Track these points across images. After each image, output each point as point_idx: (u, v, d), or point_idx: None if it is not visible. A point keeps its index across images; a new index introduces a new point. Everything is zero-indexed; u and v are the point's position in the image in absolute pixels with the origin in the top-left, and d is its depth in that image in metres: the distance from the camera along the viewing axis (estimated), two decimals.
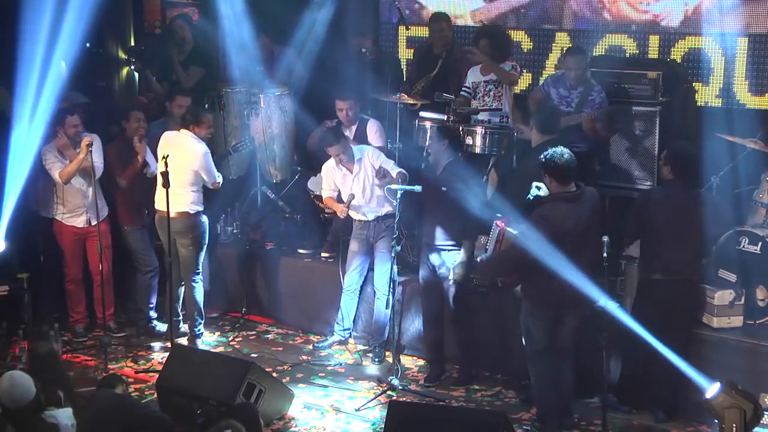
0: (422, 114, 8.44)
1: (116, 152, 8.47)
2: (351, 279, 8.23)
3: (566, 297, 6.52)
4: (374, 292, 8.28)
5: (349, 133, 8.59)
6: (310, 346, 8.49)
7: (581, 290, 6.48)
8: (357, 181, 8.02)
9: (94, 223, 8.33)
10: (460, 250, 7.49)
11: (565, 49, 8.93)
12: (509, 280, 6.88)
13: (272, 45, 9.74)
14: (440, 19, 9.26)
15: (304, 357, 8.25)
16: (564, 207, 6.52)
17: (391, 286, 7.48)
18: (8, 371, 5.92)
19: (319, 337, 8.62)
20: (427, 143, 7.93)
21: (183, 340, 8.36)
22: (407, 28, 9.98)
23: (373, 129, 8.64)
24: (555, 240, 6.37)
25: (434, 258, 7.62)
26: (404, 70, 10.06)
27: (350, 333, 8.41)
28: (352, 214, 8.15)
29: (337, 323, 8.37)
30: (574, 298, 6.48)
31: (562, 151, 6.55)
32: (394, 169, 7.92)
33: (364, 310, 8.46)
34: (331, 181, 8.21)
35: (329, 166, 8.18)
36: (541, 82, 8.72)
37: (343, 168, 8.05)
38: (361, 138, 8.59)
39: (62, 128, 8.26)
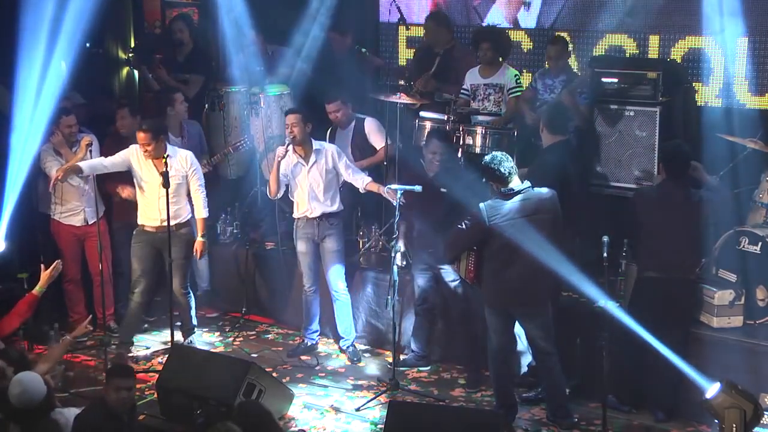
0: (422, 114, 8.44)
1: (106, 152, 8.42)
2: (309, 280, 8.14)
3: (511, 295, 6.70)
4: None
5: (347, 132, 8.57)
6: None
7: (526, 289, 6.65)
8: (311, 173, 7.92)
9: (91, 221, 8.32)
10: None
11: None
12: (468, 278, 6.98)
13: (267, 44, 9.72)
14: (432, 19, 9.25)
15: (305, 357, 8.23)
16: (499, 203, 6.69)
17: (392, 286, 7.46)
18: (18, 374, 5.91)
19: (320, 338, 8.60)
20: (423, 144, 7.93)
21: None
22: (407, 28, 9.97)
23: (372, 127, 8.61)
24: (482, 233, 6.63)
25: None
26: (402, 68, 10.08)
27: (318, 335, 8.34)
28: (295, 209, 8.09)
29: (305, 328, 8.28)
30: (519, 297, 6.69)
31: (491, 157, 6.76)
32: (360, 177, 7.97)
33: (363, 310, 8.46)
34: (283, 168, 7.99)
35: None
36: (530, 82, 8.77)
37: (297, 157, 7.92)
38: (360, 138, 8.57)
39: (57, 128, 8.26)
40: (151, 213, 8.04)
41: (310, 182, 7.94)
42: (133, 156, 7.96)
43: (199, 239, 8.13)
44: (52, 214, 8.48)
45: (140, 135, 7.79)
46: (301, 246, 8.12)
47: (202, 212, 8.12)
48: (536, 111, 8.16)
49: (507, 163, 6.71)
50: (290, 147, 7.84)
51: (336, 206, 8.03)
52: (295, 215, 8.14)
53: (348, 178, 7.99)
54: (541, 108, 8.18)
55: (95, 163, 7.98)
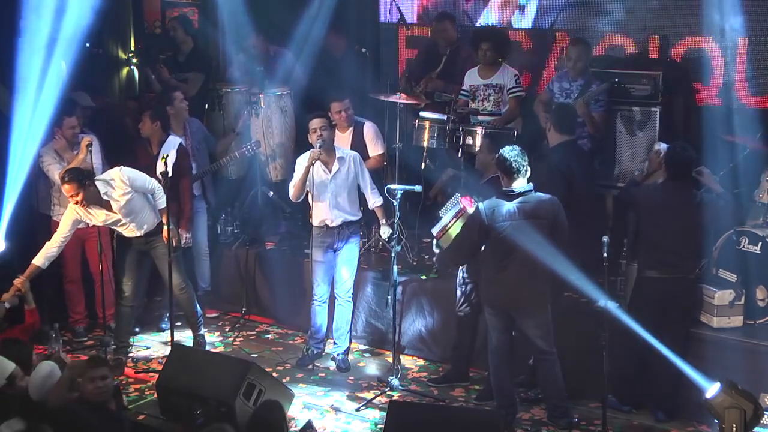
0: (422, 114, 8.44)
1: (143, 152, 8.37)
2: (321, 290, 7.96)
3: (510, 295, 6.70)
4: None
5: (347, 135, 8.55)
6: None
7: (524, 289, 6.65)
8: (334, 181, 7.76)
9: (91, 223, 8.28)
10: None
11: (565, 48, 8.95)
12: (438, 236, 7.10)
13: (269, 45, 9.71)
14: (444, 18, 9.26)
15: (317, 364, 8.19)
16: (498, 203, 6.69)
17: (392, 286, 7.46)
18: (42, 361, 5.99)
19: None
20: (477, 150, 7.92)
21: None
22: (407, 28, 9.98)
23: (370, 134, 8.56)
24: (485, 229, 6.63)
25: None
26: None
27: (324, 343, 8.16)
28: (314, 217, 7.87)
29: (311, 337, 8.11)
30: (518, 297, 6.69)
31: (511, 149, 6.73)
32: (374, 196, 7.86)
33: (363, 310, 8.46)
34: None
35: (304, 159, 7.76)
36: (547, 84, 8.74)
37: (319, 163, 7.71)
38: (358, 142, 8.53)
39: (60, 130, 8.25)
40: (129, 233, 7.90)
41: (332, 191, 7.76)
42: (76, 213, 7.65)
43: (165, 227, 7.82)
44: (52, 214, 8.47)
45: (65, 188, 7.45)
46: (319, 255, 7.89)
47: (161, 203, 7.83)
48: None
49: (521, 160, 6.69)
50: (321, 151, 7.62)
51: (356, 214, 7.91)
52: (314, 223, 7.90)
53: (363, 190, 7.87)
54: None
55: (51, 254, 7.67)
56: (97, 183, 7.59)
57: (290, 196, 7.93)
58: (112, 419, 6.02)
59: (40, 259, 7.62)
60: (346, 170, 7.78)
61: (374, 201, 7.89)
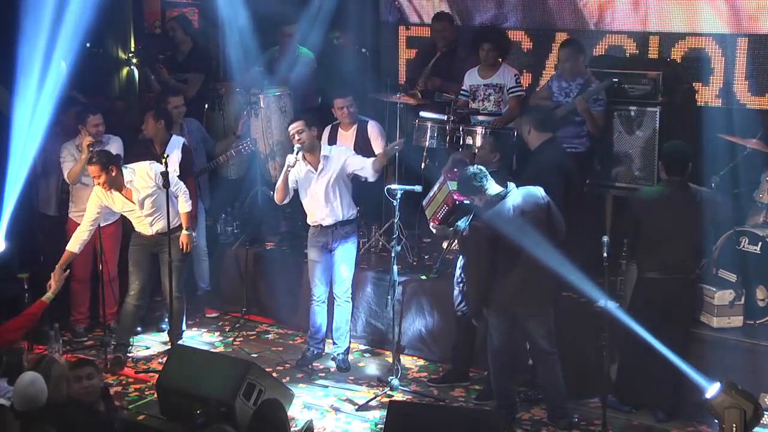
0: (422, 114, 8.44)
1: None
2: (319, 290, 7.94)
3: (515, 296, 6.68)
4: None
5: (350, 134, 8.56)
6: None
7: (530, 290, 6.64)
8: (321, 181, 7.73)
9: (104, 223, 8.25)
10: None
11: None
12: (432, 221, 7.13)
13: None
14: (442, 18, 9.27)
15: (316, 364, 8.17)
16: (494, 211, 6.66)
17: (392, 286, 7.46)
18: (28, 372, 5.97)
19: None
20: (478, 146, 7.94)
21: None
22: (407, 28, 9.97)
23: (374, 132, 8.57)
24: (493, 242, 6.57)
25: None
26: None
27: (324, 343, 8.14)
28: (308, 217, 7.89)
29: (311, 337, 8.09)
30: (523, 298, 6.66)
31: (474, 171, 6.79)
32: (366, 161, 7.78)
33: (363, 310, 8.46)
34: (292, 175, 7.79)
35: (290, 160, 7.72)
36: (544, 82, 8.74)
37: (306, 164, 7.72)
38: (362, 140, 8.54)
39: (84, 127, 8.26)
40: (141, 228, 8.00)
41: (321, 191, 7.72)
42: (99, 197, 7.83)
43: (184, 233, 7.96)
44: (69, 213, 8.48)
45: (90, 168, 7.69)
46: (314, 254, 7.88)
47: (184, 206, 7.94)
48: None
49: (479, 172, 6.75)
50: (299, 155, 7.63)
51: (350, 213, 7.86)
52: (309, 223, 7.91)
53: (358, 171, 7.76)
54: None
55: (82, 238, 7.84)
56: (124, 171, 7.76)
57: (275, 199, 7.94)
58: (100, 420, 6.01)
59: (73, 246, 7.84)
60: (332, 168, 7.74)
61: (371, 166, 7.75)
